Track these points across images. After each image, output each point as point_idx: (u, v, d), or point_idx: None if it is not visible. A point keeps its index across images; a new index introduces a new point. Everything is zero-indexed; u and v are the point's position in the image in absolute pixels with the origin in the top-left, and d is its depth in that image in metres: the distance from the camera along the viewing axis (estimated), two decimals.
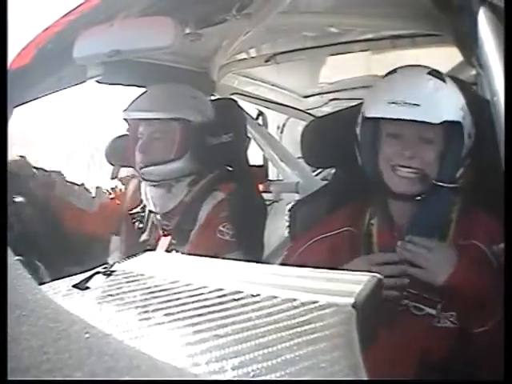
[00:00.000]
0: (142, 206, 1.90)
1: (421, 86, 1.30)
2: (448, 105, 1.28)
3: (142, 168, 1.74)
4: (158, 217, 1.81)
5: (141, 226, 1.88)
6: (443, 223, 1.32)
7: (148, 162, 1.73)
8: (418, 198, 1.30)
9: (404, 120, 1.25)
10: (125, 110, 1.75)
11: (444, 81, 1.33)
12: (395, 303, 1.25)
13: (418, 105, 1.23)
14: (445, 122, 1.25)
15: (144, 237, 1.86)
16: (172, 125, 1.72)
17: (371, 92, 1.41)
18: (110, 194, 2.03)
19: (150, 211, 1.85)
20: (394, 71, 1.40)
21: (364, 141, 1.38)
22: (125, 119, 1.80)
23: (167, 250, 1.73)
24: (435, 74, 1.34)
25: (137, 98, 1.77)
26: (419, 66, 1.39)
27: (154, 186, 1.78)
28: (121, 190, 2.06)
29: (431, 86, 1.30)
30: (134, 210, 1.92)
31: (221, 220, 1.72)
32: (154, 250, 1.76)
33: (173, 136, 1.73)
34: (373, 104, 1.35)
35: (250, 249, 1.77)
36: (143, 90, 1.82)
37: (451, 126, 1.27)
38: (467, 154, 1.32)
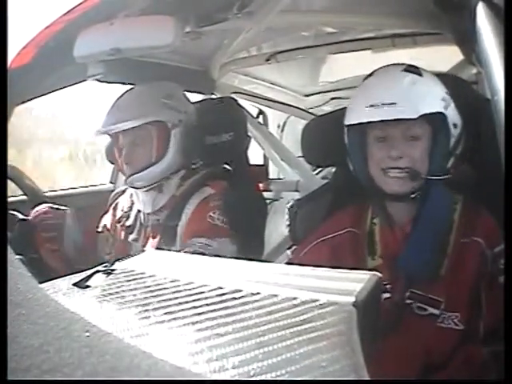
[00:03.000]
0: (128, 205, 1.91)
1: (396, 84, 1.29)
2: (425, 97, 1.27)
3: (128, 177, 1.76)
4: (148, 214, 1.81)
5: (128, 224, 1.87)
6: (446, 221, 1.31)
7: (134, 170, 1.74)
8: (413, 195, 1.30)
9: (387, 121, 1.24)
10: (101, 126, 1.74)
11: (420, 74, 1.32)
12: (398, 304, 1.26)
13: (394, 103, 1.23)
14: (426, 114, 1.24)
15: (132, 236, 1.85)
16: (147, 129, 1.72)
17: (351, 100, 1.40)
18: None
19: (139, 210, 1.85)
20: (370, 74, 1.40)
21: (352, 149, 1.39)
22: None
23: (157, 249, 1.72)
24: (411, 69, 1.33)
25: (109, 111, 1.76)
26: (396, 64, 1.37)
27: (145, 191, 1.79)
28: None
29: (406, 82, 1.29)
30: (122, 212, 1.92)
31: (211, 208, 1.72)
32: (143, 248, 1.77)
33: (150, 140, 1.73)
34: (352, 111, 1.35)
35: (250, 247, 1.77)
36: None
37: (434, 118, 1.26)
38: (456, 144, 1.31)
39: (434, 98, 1.28)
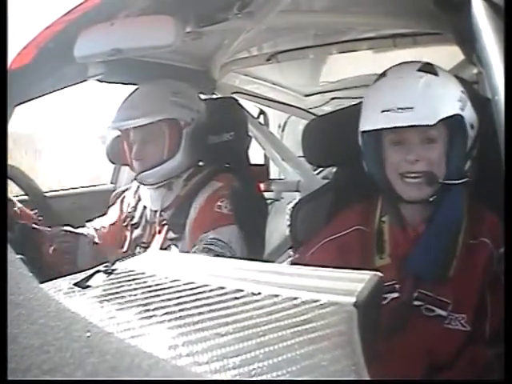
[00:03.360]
0: (134, 202, 1.91)
1: (412, 87, 1.25)
2: (443, 100, 1.23)
3: (139, 173, 1.77)
4: (156, 213, 1.81)
5: (134, 222, 1.87)
6: (458, 223, 1.28)
7: (144, 167, 1.75)
8: (431, 199, 1.27)
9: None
10: (112, 122, 1.75)
11: (436, 74, 1.28)
12: (406, 304, 1.25)
13: (411, 108, 1.20)
14: (443, 118, 1.21)
15: (138, 232, 1.86)
16: (159, 126, 1.73)
17: (364, 102, 1.36)
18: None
19: (145, 207, 1.86)
20: (383, 74, 1.35)
21: (368, 152, 1.36)
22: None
23: (163, 247, 1.74)
24: (426, 68, 1.28)
25: (120, 108, 1.76)
26: (409, 62, 1.33)
27: (154, 188, 1.80)
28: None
29: (422, 84, 1.24)
30: (128, 207, 1.92)
31: (219, 197, 1.73)
32: (148, 244, 1.78)
33: (162, 137, 1.74)
34: (367, 116, 1.31)
35: (251, 247, 1.77)
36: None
37: (452, 121, 1.23)
38: (473, 145, 1.28)
39: (450, 100, 1.24)
